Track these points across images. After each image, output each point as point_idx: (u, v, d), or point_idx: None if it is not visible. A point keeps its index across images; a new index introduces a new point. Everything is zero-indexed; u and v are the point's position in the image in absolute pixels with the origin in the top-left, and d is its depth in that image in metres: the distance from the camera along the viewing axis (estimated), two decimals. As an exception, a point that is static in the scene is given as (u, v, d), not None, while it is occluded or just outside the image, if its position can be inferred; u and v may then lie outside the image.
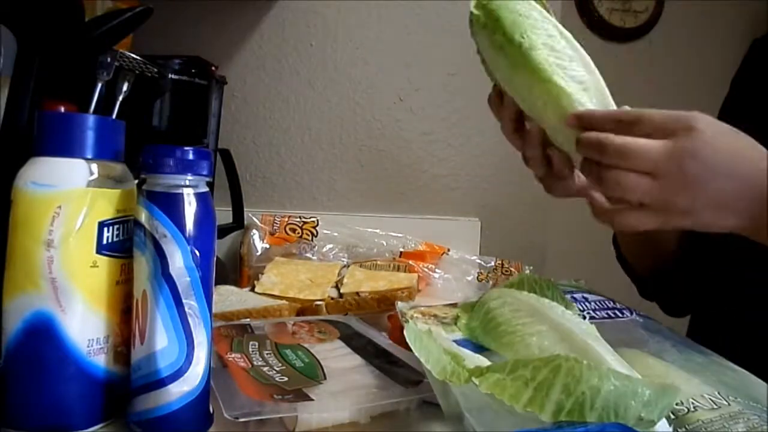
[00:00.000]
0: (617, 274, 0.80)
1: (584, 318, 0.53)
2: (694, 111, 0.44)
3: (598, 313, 0.57)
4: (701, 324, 0.76)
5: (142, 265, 0.42)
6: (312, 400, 0.46)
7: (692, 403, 0.42)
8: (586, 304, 0.58)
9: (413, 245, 1.13)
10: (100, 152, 0.44)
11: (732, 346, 0.52)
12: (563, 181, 0.54)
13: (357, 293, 0.82)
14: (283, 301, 0.76)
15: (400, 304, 0.55)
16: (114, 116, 0.63)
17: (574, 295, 0.60)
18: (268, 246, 1.08)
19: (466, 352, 0.46)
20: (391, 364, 0.55)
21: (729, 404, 0.42)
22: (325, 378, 0.50)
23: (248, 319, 0.68)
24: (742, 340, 0.59)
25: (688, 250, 0.70)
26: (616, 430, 0.34)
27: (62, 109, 0.58)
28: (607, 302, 0.60)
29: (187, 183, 0.43)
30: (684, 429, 0.40)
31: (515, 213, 1.24)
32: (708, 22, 1.93)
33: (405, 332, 0.47)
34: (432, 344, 0.45)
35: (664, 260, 0.72)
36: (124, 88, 0.63)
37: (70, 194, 0.42)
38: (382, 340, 0.62)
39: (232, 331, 0.61)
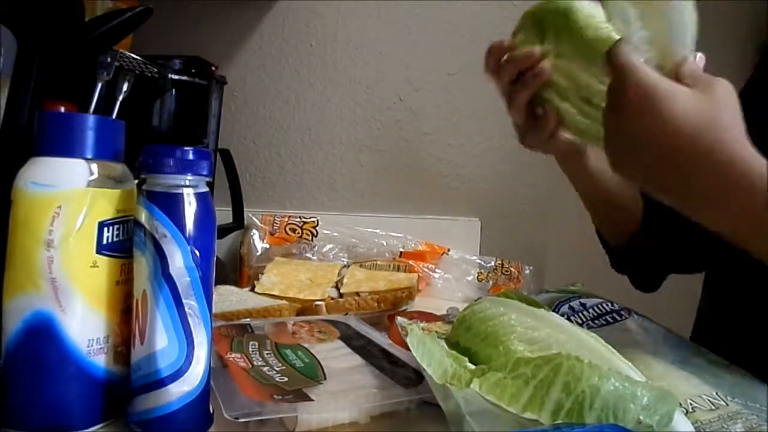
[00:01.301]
0: (617, 275, 0.80)
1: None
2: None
3: (596, 321, 0.57)
4: (705, 328, 0.76)
5: (142, 265, 0.42)
6: (312, 400, 0.46)
7: (690, 403, 0.42)
8: (584, 313, 0.58)
9: (413, 245, 1.13)
10: (100, 152, 0.44)
11: (735, 351, 0.52)
12: (541, 134, 0.58)
13: (357, 293, 0.82)
14: (283, 301, 0.76)
15: (399, 319, 0.55)
16: (114, 116, 0.63)
17: (571, 304, 0.59)
18: (268, 246, 1.08)
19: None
20: (392, 364, 0.55)
21: (727, 404, 0.42)
22: (325, 378, 0.50)
23: (248, 319, 0.68)
24: (746, 345, 0.59)
25: (650, 223, 0.71)
26: (613, 431, 0.34)
27: (62, 109, 0.58)
28: (604, 305, 0.59)
29: (187, 183, 0.43)
30: None
31: (515, 213, 1.24)
32: (707, 22, 1.92)
33: (408, 338, 0.47)
34: (435, 347, 0.45)
35: (627, 230, 0.72)
36: (124, 88, 0.63)
37: (70, 194, 0.42)
38: (382, 340, 0.62)
39: (232, 331, 0.61)
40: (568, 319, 0.56)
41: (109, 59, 0.62)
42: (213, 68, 0.94)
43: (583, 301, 0.60)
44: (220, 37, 1.16)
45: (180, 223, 0.42)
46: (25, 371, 0.42)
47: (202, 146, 0.95)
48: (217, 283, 0.50)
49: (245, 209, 1.04)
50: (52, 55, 0.61)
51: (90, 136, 0.43)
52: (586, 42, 0.50)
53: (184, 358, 0.42)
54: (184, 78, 0.87)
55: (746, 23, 1.97)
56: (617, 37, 0.48)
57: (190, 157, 0.43)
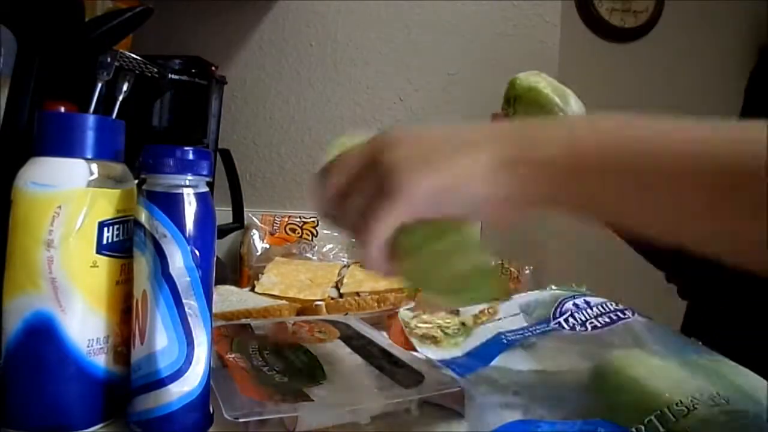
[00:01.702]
0: (618, 274, 0.80)
1: (586, 329, 0.54)
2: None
3: (600, 319, 0.57)
4: (694, 321, 0.75)
5: (142, 265, 0.42)
6: (312, 400, 0.46)
7: (693, 402, 0.42)
8: (588, 311, 0.58)
9: (413, 245, 1.12)
10: (100, 152, 0.44)
11: (725, 343, 0.52)
12: None
13: (357, 293, 0.82)
14: (283, 301, 0.76)
15: (402, 312, 0.55)
16: (114, 116, 0.63)
17: (576, 301, 0.60)
18: (268, 246, 1.08)
19: None
20: (392, 365, 0.55)
21: (728, 403, 0.42)
22: (325, 378, 0.50)
23: (248, 319, 0.68)
24: (735, 336, 0.59)
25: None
26: (608, 428, 0.34)
27: (62, 109, 0.58)
28: (608, 305, 0.60)
29: (187, 183, 0.43)
30: (684, 429, 0.40)
31: (515, 213, 1.24)
32: (708, 22, 1.93)
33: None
34: None
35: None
36: (124, 88, 0.63)
37: (70, 194, 0.42)
38: (383, 340, 0.62)
39: (232, 331, 0.61)
40: (572, 315, 0.57)
41: (109, 59, 0.62)
42: (213, 68, 0.94)
43: (587, 299, 0.60)
44: (220, 37, 1.16)
45: (180, 223, 0.42)
46: (25, 371, 0.42)
47: (202, 146, 0.95)
48: (217, 283, 0.50)
49: (245, 209, 1.04)
50: (52, 55, 0.61)
51: (90, 136, 0.43)
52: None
53: (184, 358, 0.42)
54: (184, 78, 0.87)
55: (746, 23, 1.97)
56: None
57: (190, 157, 0.43)
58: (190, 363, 0.42)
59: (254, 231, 1.09)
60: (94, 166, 0.43)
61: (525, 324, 0.58)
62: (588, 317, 0.57)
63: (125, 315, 0.44)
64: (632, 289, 0.79)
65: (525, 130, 0.40)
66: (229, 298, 0.77)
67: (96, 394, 0.43)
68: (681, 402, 0.41)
